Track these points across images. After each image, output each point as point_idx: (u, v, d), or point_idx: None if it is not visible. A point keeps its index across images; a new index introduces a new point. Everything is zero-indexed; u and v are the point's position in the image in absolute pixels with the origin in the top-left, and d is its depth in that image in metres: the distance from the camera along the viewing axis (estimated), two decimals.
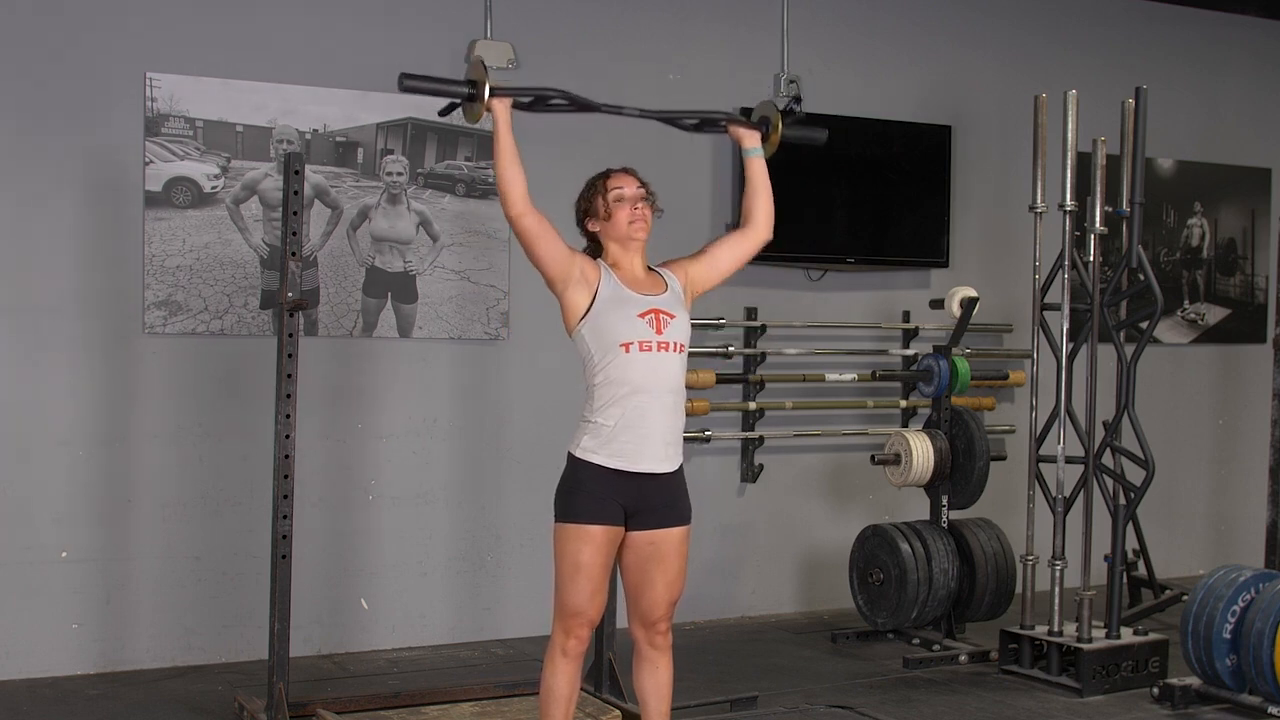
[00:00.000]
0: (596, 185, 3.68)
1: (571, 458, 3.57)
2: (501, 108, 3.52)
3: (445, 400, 5.82)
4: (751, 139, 3.82)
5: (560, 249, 3.54)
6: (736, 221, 6.21)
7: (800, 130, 3.94)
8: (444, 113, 3.78)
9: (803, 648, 5.84)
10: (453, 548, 5.84)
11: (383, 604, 5.71)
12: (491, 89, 3.52)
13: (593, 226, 3.69)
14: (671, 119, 3.83)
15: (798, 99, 3.83)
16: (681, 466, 3.63)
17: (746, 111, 4.01)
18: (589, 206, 3.68)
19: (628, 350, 3.51)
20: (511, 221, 3.51)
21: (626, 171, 3.71)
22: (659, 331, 3.54)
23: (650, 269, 3.70)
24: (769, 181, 3.79)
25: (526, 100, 3.64)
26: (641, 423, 3.51)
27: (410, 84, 3.58)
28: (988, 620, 5.84)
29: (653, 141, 6.07)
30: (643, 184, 3.69)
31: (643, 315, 3.54)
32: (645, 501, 3.54)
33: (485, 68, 3.56)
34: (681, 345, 3.59)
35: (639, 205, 3.64)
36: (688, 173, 6.17)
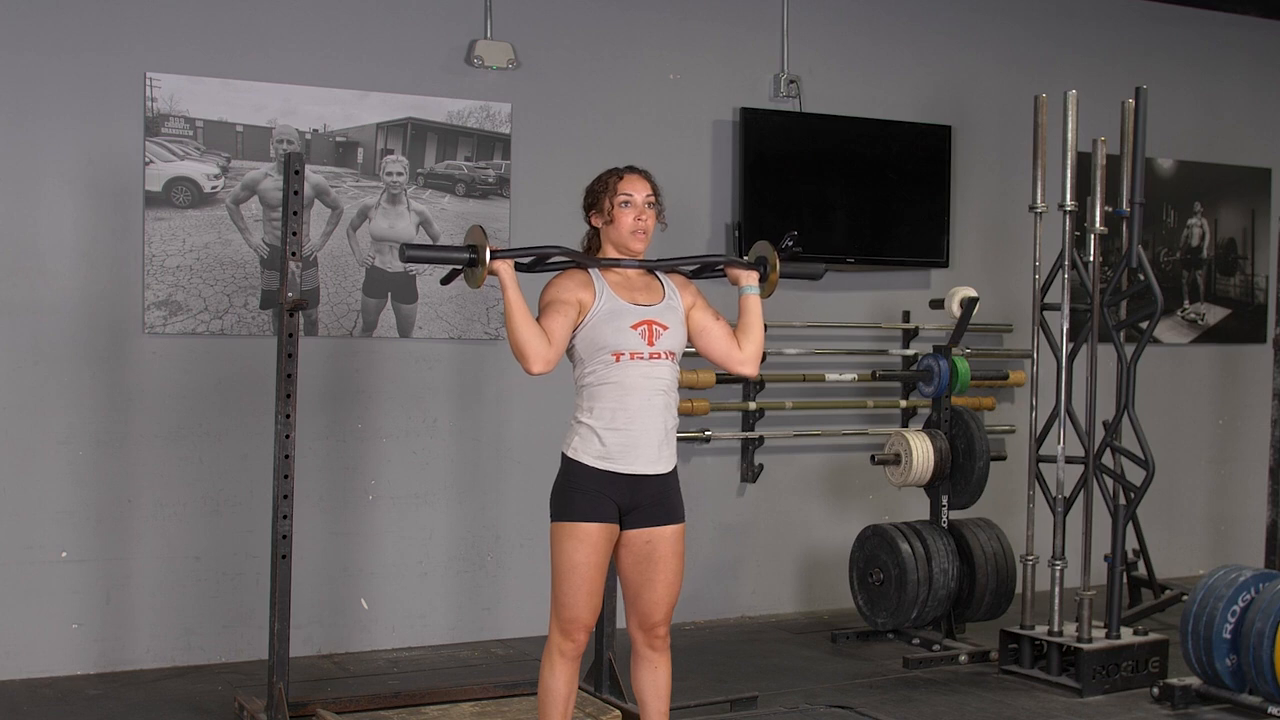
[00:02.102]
0: (608, 183, 3.65)
1: (565, 458, 3.57)
2: (505, 268, 3.49)
3: (445, 400, 5.82)
4: (749, 278, 3.79)
5: (567, 329, 3.50)
6: (736, 224, 6.29)
7: (797, 266, 3.99)
8: (446, 281, 3.78)
9: (803, 648, 5.84)
10: (452, 548, 5.84)
11: (383, 604, 5.71)
12: (492, 252, 3.51)
13: (596, 221, 3.68)
14: (671, 266, 3.80)
15: (793, 237, 3.85)
16: (675, 468, 3.63)
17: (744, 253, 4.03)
18: (596, 202, 3.66)
19: (618, 360, 3.52)
20: (529, 368, 3.45)
21: (640, 174, 3.67)
22: (651, 342, 3.55)
23: (651, 273, 3.69)
24: (762, 323, 3.76)
25: (527, 260, 3.64)
26: (631, 425, 3.51)
27: (412, 254, 3.58)
28: (988, 620, 5.84)
29: (653, 143, 6.09)
30: (653, 189, 3.67)
31: (635, 326, 3.54)
32: (639, 499, 3.54)
33: (484, 233, 3.56)
34: (673, 354, 3.60)
35: (644, 215, 3.62)
36: (688, 174, 6.16)
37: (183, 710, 4.80)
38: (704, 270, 3.93)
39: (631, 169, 3.69)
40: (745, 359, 3.72)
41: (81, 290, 5.22)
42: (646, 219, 3.63)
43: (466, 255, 3.56)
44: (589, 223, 3.72)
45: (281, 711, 4.29)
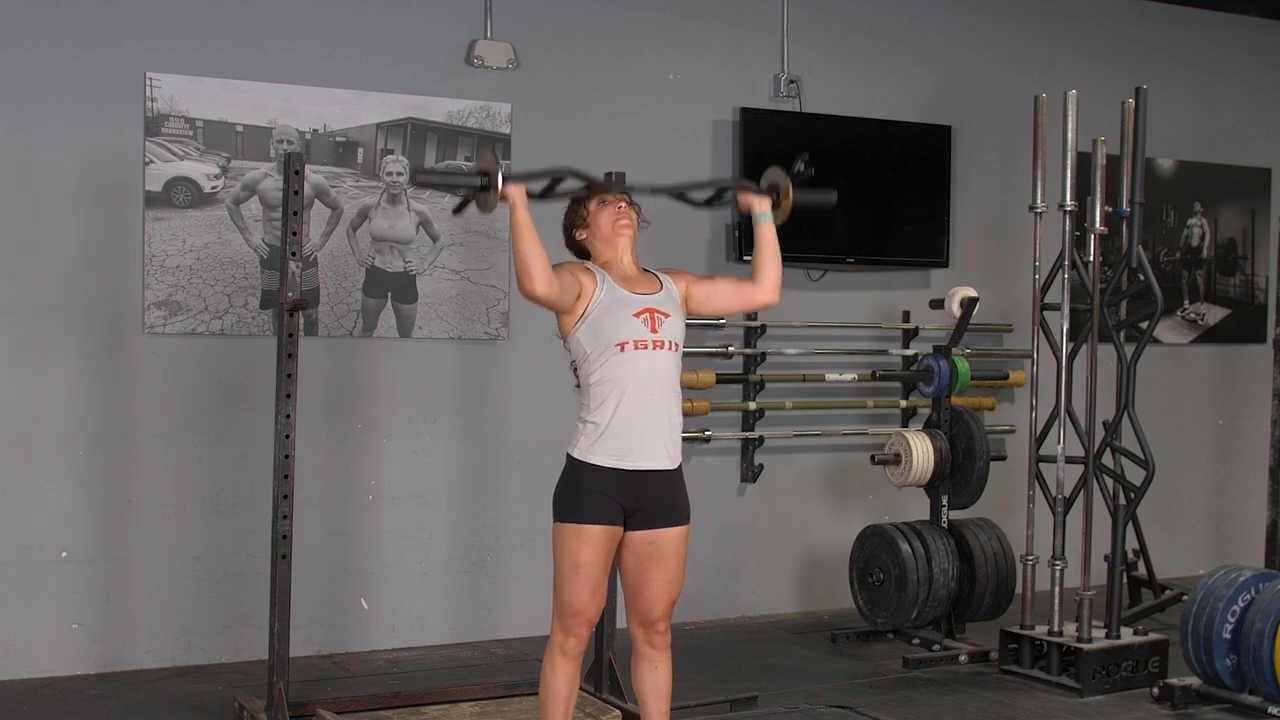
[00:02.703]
0: (579, 199, 3.72)
1: (570, 458, 3.57)
2: (517, 192, 3.48)
3: (445, 400, 5.82)
4: (762, 205, 3.77)
5: (571, 289, 3.53)
6: (736, 225, 6.28)
7: (810, 194, 3.93)
8: (457, 211, 3.78)
9: (803, 648, 5.84)
10: (453, 548, 5.84)
11: (383, 604, 5.71)
12: (504, 176, 3.50)
13: (580, 235, 3.72)
14: (682, 192, 3.80)
15: (805, 159, 3.81)
16: (680, 466, 3.63)
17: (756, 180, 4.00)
18: (574, 218, 3.72)
19: (623, 349, 3.52)
20: (532, 299, 3.47)
21: (611, 180, 3.74)
22: (654, 330, 3.55)
23: (645, 270, 3.71)
24: (778, 248, 3.75)
25: (540, 187, 3.62)
26: (638, 419, 3.51)
27: (424, 179, 3.57)
28: (988, 620, 5.84)
29: (653, 143, 6.09)
30: (625, 192, 3.73)
31: (638, 314, 3.55)
32: (644, 501, 3.54)
33: (496, 157, 3.55)
34: (676, 344, 3.61)
35: (622, 210, 3.68)
36: (687, 174, 6.13)
37: (183, 710, 4.80)
38: (716, 198, 3.91)
39: (607, 176, 3.82)
40: (764, 288, 3.73)
41: (81, 290, 5.22)
42: (625, 213, 3.67)
43: (479, 180, 3.54)
44: (575, 244, 3.74)
45: (281, 711, 4.29)
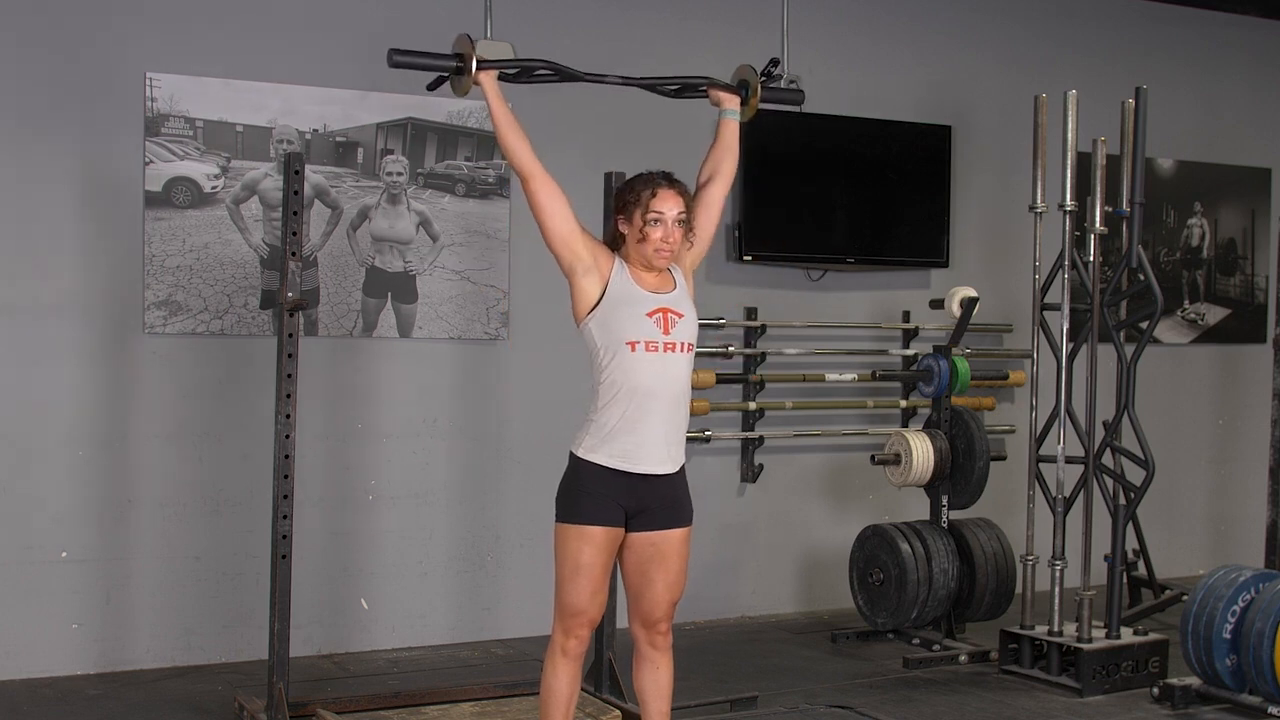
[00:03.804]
0: (641, 196, 3.56)
1: (573, 457, 3.56)
2: (488, 80, 3.62)
3: (445, 400, 5.82)
4: (730, 101, 3.90)
5: (567, 224, 3.54)
6: (736, 224, 6.27)
7: (779, 92, 4.03)
8: (432, 87, 3.87)
9: (803, 648, 5.84)
10: (453, 548, 5.84)
11: (383, 604, 5.71)
12: (478, 61, 3.56)
13: (622, 227, 3.61)
14: (653, 85, 3.93)
15: (775, 62, 3.91)
16: (684, 468, 3.62)
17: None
18: (627, 211, 3.58)
19: (634, 349, 3.49)
20: (524, 183, 3.57)
21: (674, 191, 3.57)
22: (666, 331, 3.52)
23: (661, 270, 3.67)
24: (738, 146, 3.88)
25: (512, 71, 3.75)
26: (643, 423, 3.50)
27: (399, 59, 3.68)
28: (988, 620, 5.84)
29: (655, 137, 6.09)
30: (686, 205, 3.59)
31: (651, 314, 3.52)
32: (646, 502, 3.53)
33: (472, 41, 3.64)
34: (689, 345, 3.57)
35: (671, 234, 3.54)
36: (687, 173, 6.13)
37: (183, 710, 4.80)
38: (685, 90, 4.01)
39: (668, 182, 3.59)
40: (727, 175, 3.83)
41: (81, 290, 5.22)
42: (673, 239, 3.56)
43: (453, 64, 3.66)
44: (616, 224, 3.65)
45: (281, 711, 4.29)
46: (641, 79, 3.90)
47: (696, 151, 6.29)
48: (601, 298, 3.52)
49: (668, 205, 3.55)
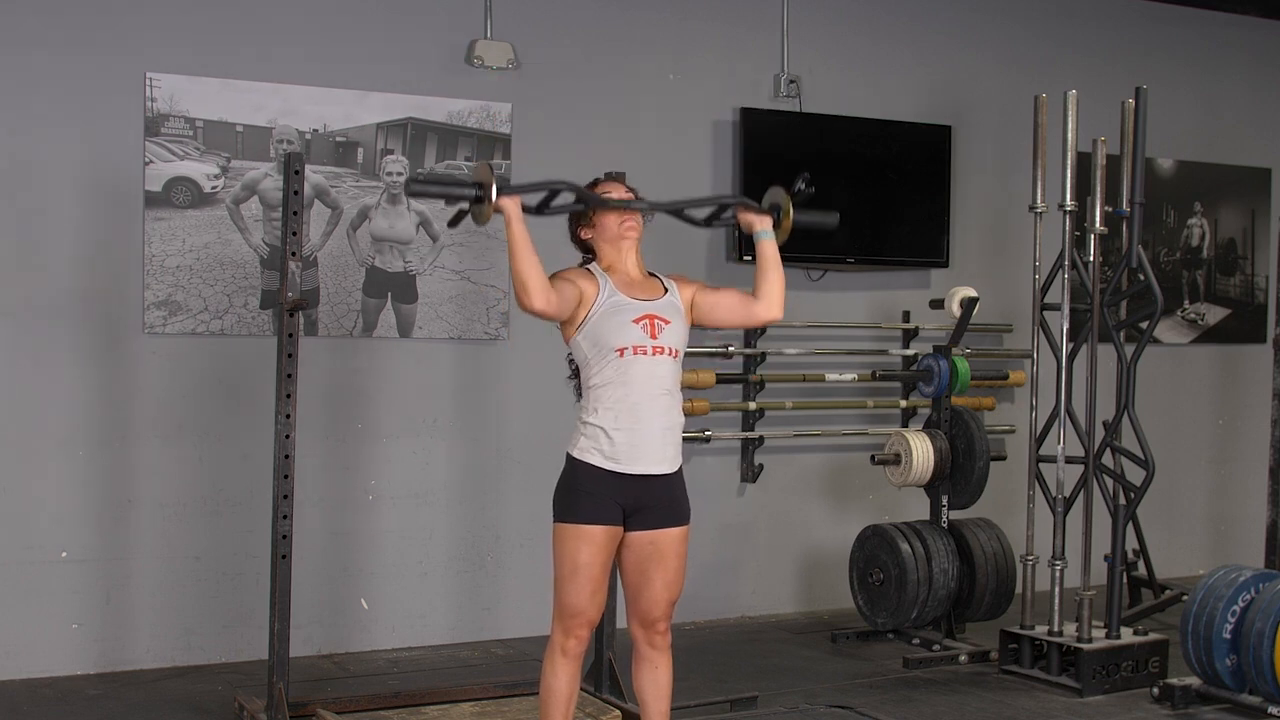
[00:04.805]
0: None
1: (570, 458, 3.57)
2: (512, 204, 3.46)
3: (445, 400, 5.82)
4: (763, 223, 3.74)
5: (571, 299, 3.52)
6: (734, 228, 6.25)
7: (811, 214, 3.89)
8: (453, 223, 3.77)
9: (803, 648, 5.84)
10: (453, 548, 5.84)
11: (383, 604, 5.71)
12: (499, 188, 3.49)
13: (585, 234, 3.68)
14: (680, 210, 3.78)
15: (806, 179, 3.78)
16: (681, 468, 3.63)
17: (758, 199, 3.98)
18: (579, 217, 3.68)
19: (622, 355, 3.52)
20: (531, 313, 3.47)
21: (612, 178, 3.73)
22: (654, 336, 3.55)
23: (651, 273, 3.70)
24: (781, 265, 3.73)
25: (534, 201, 3.60)
26: (637, 424, 3.51)
27: (417, 188, 3.55)
28: (988, 620, 5.84)
29: (653, 143, 6.09)
30: (630, 189, 3.71)
31: (638, 320, 3.55)
32: (644, 501, 3.54)
33: (491, 170, 3.53)
34: (676, 350, 3.60)
35: (627, 211, 3.64)
36: (687, 174, 6.16)
37: (183, 710, 4.80)
38: (715, 216, 3.88)
39: (608, 177, 3.74)
40: (766, 304, 3.70)
41: (81, 290, 5.22)
42: (632, 215, 3.64)
43: (473, 192, 3.52)
44: (579, 243, 3.72)
45: (281, 711, 4.29)
46: (669, 203, 3.75)
47: (695, 153, 6.25)
48: (588, 315, 3.54)
49: (612, 188, 3.69)
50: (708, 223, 3.88)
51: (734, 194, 3.80)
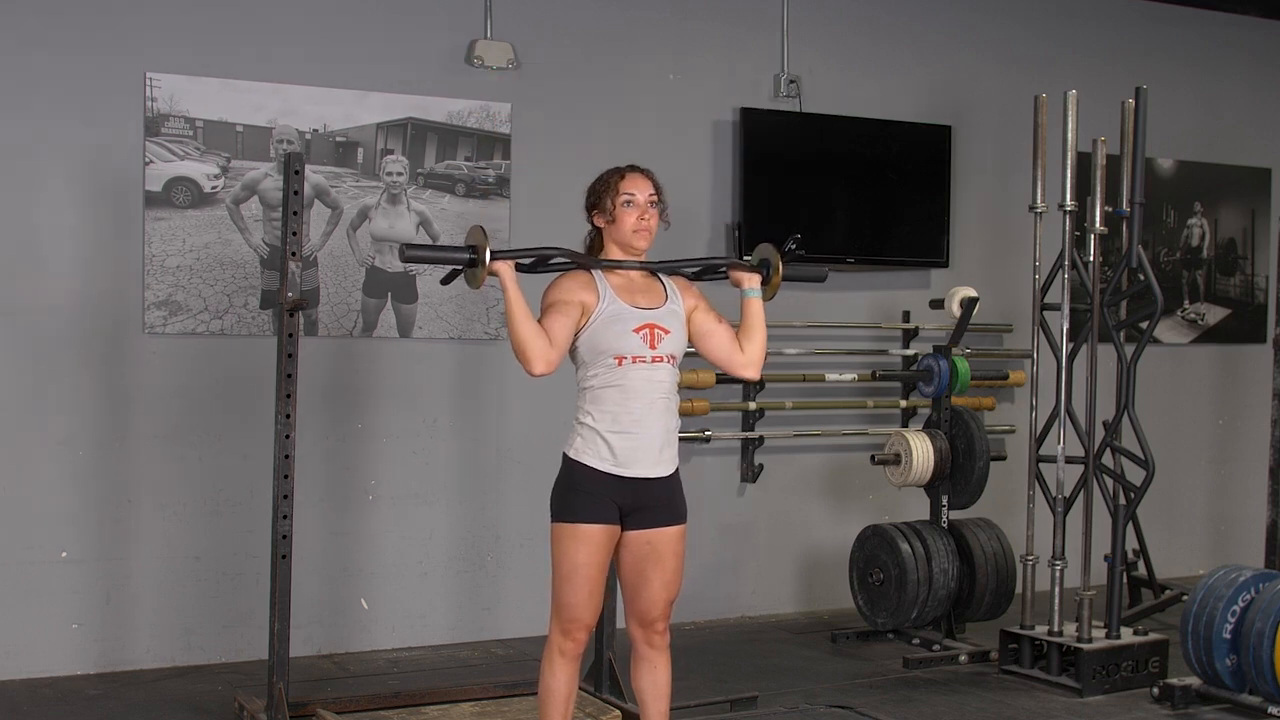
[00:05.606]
0: (610, 182, 3.64)
1: (566, 458, 3.57)
2: (505, 269, 3.49)
3: (445, 400, 5.82)
4: (751, 280, 3.77)
5: (569, 329, 3.50)
6: (736, 224, 6.28)
7: (801, 269, 3.93)
8: (446, 281, 3.77)
9: (803, 648, 5.84)
10: (453, 548, 5.84)
11: (383, 604, 5.71)
12: (492, 252, 3.50)
13: (598, 221, 3.67)
14: (673, 269, 3.78)
15: (796, 240, 3.81)
16: (677, 469, 3.62)
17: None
18: (598, 201, 3.65)
19: (620, 364, 3.52)
20: (535, 377, 3.47)
21: (641, 173, 3.66)
22: (653, 346, 3.54)
23: (653, 274, 3.69)
24: (764, 326, 3.74)
25: (528, 261, 3.62)
26: (634, 428, 3.51)
27: (411, 254, 3.57)
28: (988, 620, 5.84)
29: (653, 143, 6.09)
30: (656, 188, 3.66)
31: (638, 330, 3.54)
32: (641, 501, 3.54)
33: (484, 233, 3.54)
34: (674, 357, 3.60)
35: (646, 214, 3.62)
36: (687, 174, 6.16)
37: (183, 710, 4.80)
38: (706, 272, 3.91)
39: (634, 168, 3.68)
40: (748, 362, 3.72)
41: (81, 290, 5.22)
42: (649, 218, 3.63)
43: (466, 255, 3.55)
44: (591, 223, 3.71)
45: (281, 711, 4.29)
46: (660, 263, 3.74)
47: (695, 153, 6.25)
48: (590, 322, 3.54)
49: (638, 186, 3.62)
50: (698, 276, 3.90)
51: (725, 255, 3.85)
